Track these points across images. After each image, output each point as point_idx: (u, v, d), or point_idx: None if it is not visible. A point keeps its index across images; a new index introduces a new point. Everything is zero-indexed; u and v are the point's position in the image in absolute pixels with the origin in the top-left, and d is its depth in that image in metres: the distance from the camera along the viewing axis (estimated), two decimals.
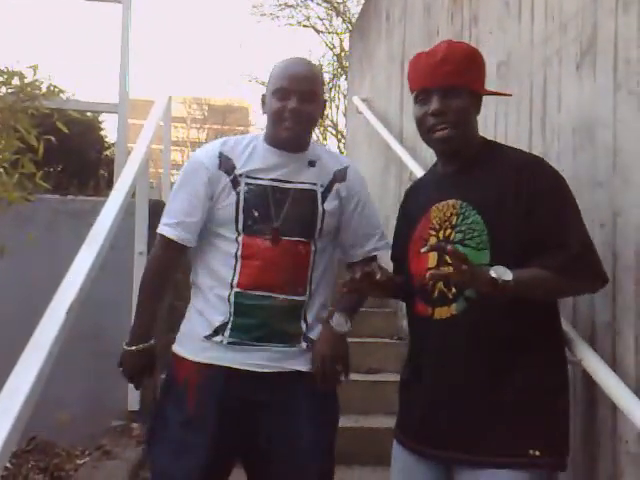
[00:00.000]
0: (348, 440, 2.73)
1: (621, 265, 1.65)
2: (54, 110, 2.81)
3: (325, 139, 16.01)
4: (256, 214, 1.70)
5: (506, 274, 1.36)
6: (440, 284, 1.53)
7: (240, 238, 1.70)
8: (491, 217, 1.48)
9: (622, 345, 1.63)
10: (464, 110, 1.55)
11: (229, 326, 1.69)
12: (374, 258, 1.84)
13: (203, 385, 1.67)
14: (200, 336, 1.71)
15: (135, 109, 5.12)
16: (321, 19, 14.85)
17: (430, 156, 3.33)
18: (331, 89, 15.13)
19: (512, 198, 1.47)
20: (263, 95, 1.80)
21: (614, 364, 1.64)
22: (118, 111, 3.74)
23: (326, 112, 15.17)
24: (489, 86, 2.41)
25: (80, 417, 2.95)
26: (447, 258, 1.47)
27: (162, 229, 1.77)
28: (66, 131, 2.74)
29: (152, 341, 1.79)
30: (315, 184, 1.76)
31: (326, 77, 15.15)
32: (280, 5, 14.81)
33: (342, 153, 11.53)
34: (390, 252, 1.82)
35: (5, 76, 2.42)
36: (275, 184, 1.73)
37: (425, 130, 1.58)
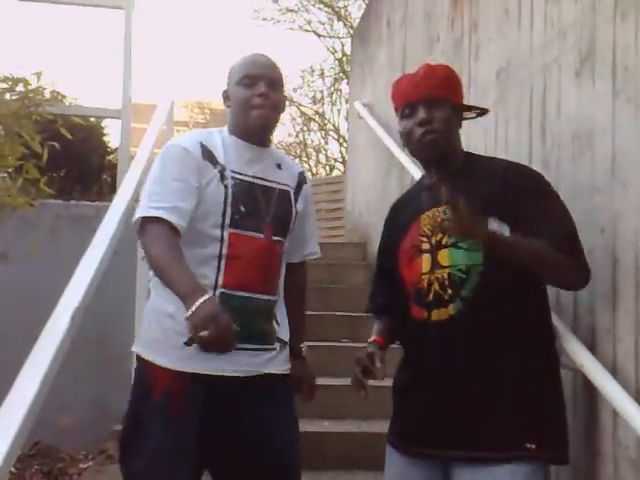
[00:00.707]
0: (350, 445, 2.74)
1: (621, 270, 1.66)
2: (57, 116, 2.83)
3: (327, 143, 16.05)
4: (243, 209, 1.67)
5: (504, 230, 1.47)
6: (435, 286, 1.56)
7: (225, 234, 1.65)
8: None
9: (622, 351, 1.64)
10: (448, 120, 1.64)
11: None
12: (304, 262, 1.93)
13: (185, 393, 1.61)
14: (178, 343, 1.62)
15: (138, 113, 5.14)
16: (322, 23, 14.87)
17: None
18: (332, 93, 15.17)
19: (500, 198, 1.55)
20: (224, 91, 1.79)
21: (614, 370, 1.64)
22: (121, 116, 3.76)
23: (327, 116, 15.26)
24: (488, 93, 2.43)
25: (84, 422, 2.97)
26: (439, 260, 1.56)
27: (151, 212, 1.60)
28: (69, 137, 2.76)
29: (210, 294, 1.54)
30: (288, 185, 1.79)
31: (327, 82, 15.19)
32: (281, 9, 14.84)
33: (344, 157, 11.53)
34: (376, 264, 1.86)
35: (9, 83, 2.45)
36: (259, 181, 1.72)
37: (414, 141, 1.65)
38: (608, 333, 1.69)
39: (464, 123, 1.74)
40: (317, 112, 15.71)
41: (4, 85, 2.42)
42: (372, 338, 1.75)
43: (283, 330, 1.76)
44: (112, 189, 4.05)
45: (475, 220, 1.42)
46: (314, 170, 15.67)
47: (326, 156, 16.14)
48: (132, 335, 3.02)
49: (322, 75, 15.13)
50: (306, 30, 15.03)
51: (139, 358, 1.70)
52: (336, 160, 15.48)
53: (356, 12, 13.38)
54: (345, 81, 13.71)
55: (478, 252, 1.52)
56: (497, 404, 1.50)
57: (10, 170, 2.43)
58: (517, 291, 1.54)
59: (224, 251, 1.65)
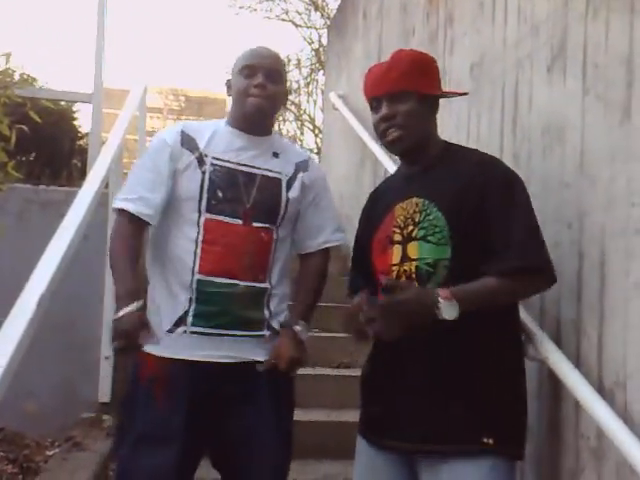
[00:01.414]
0: (319, 434, 2.76)
1: (587, 264, 1.69)
2: (27, 99, 2.78)
3: (302, 134, 16.01)
4: (220, 195, 1.69)
5: (453, 313, 1.42)
6: (403, 279, 1.57)
7: (202, 219, 1.68)
8: (451, 213, 1.54)
9: (586, 343, 1.67)
10: (411, 113, 1.61)
11: (190, 314, 1.67)
12: (327, 251, 1.89)
13: (170, 380, 1.65)
14: (161, 329, 1.67)
15: (110, 99, 5.07)
16: (300, 13, 14.80)
17: None
18: (309, 84, 15.12)
19: (469, 192, 1.55)
20: (228, 80, 1.82)
21: (578, 362, 1.68)
22: (92, 101, 3.70)
23: (303, 107, 15.22)
24: (462, 87, 2.44)
25: (51, 408, 2.94)
26: (409, 253, 1.57)
27: (120, 203, 1.71)
28: (39, 120, 2.71)
29: (142, 301, 1.65)
30: (280, 173, 1.79)
31: (304, 72, 15.15)
32: None
33: (319, 148, 11.51)
34: (352, 254, 1.85)
35: None
36: (242, 168, 1.74)
37: (379, 135, 1.68)
38: (573, 326, 1.73)
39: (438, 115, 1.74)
40: (293, 102, 15.67)
41: None
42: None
43: (276, 319, 1.76)
44: (82, 174, 3.99)
45: (418, 315, 1.42)
46: None
47: (302, 146, 16.13)
48: (100, 321, 2.99)
49: (298, 65, 15.08)
50: (283, 19, 14.95)
51: None
52: (311, 151, 15.45)
53: (333, 3, 13.33)
54: (321, 72, 13.68)
55: (446, 246, 1.53)
56: (454, 397, 1.50)
57: None
58: None
59: (200, 237, 1.68)
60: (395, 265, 1.60)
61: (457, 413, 1.49)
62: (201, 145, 1.73)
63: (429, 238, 1.55)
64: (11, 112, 2.50)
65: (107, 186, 2.95)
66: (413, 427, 1.52)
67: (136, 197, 1.69)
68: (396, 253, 1.60)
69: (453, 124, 2.59)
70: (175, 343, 1.67)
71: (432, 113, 1.68)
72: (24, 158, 4.89)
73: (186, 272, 1.67)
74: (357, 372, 3.25)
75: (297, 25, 14.84)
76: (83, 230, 2.27)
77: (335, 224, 1.92)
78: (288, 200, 1.78)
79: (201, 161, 1.71)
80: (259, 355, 1.72)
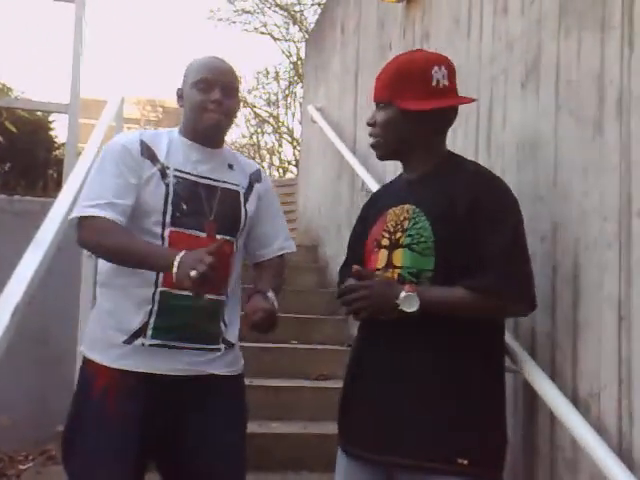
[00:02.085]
0: (296, 446, 2.75)
1: (560, 277, 1.72)
2: (2, 109, 2.76)
3: (280, 146, 16.04)
4: (184, 207, 1.67)
5: (412, 305, 1.43)
6: None
7: (166, 232, 1.66)
8: (439, 225, 1.52)
9: (561, 355, 1.70)
10: (387, 123, 1.61)
11: (150, 326, 1.63)
12: (282, 257, 1.87)
13: (124, 391, 1.61)
14: (117, 341, 1.63)
15: (87, 109, 5.03)
16: (278, 27, 14.87)
17: (382, 166, 3.40)
18: (287, 96, 15.18)
19: (458, 204, 1.52)
20: (179, 89, 1.79)
21: (553, 373, 1.70)
22: (69, 111, 3.68)
23: (282, 119, 15.25)
24: None
25: (25, 422, 2.89)
26: (394, 260, 1.56)
27: (86, 210, 1.62)
28: (14, 130, 2.69)
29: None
30: (238, 185, 1.79)
31: (282, 84, 15.20)
32: (237, 10, 14.78)
33: (297, 161, 11.54)
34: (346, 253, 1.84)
35: None
36: (203, 181, 1.73)
37: None
38: (547, 337, 1.75)
39: None
40: (271, 114, 15.70)
41: None
42: None
43: (230, 331, 1.75)
44: (58, 185, 3.96)
45: (382, 301, 1.46)
46: (267, 172, 15.64)
47: (280, 159, 16.15)
48: (75, 334, 2.96)
49: (277, 78, 15.14)
50: (262, 32, 15.01)
51: (83, 358, 1.71)
52: (289, 163, 15.51)
53: (312, 17, 13.45)
54: (300, 85, 13.73)
55: (430, 257, 1.51)
56: (434, 413, 1.48)
57: None
58: None
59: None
60: (379, 270, 1.59)
61: (434, 431, 1.47)
62: (161, 156, 1.71)
63: (414, 247, 1.54)
64: None
65: None
66: (392, 441, 1.50)
67: (105, 203, 1.62)
68: (381, 258, 1.59)
69: None
70: (131, 355, 1.63)
71: (418, 123, 1.60)
72: None
73: (148, 284, 1.64)
74: (335, 384, 3.26)
75: (275, 38, 14.92)
76: (58, 241, 2.25)
77: (287, 232, 1.92)
78: (247, 212, 1.79)
79: (164, 173, 1.69)
80: (217, 369, 1.71)
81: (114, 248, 1.62)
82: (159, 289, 1.64)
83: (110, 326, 1.65)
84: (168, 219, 1.66)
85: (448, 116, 1.64)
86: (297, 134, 13.98)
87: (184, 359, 1.65)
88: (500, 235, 1.49)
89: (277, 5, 14.44)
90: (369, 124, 1.67)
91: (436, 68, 1.60)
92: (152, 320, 1.64)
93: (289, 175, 14.62)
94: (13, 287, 1.88)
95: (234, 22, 14.92)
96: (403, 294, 1.44)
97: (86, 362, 1.69)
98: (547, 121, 1.82)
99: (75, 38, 3.73)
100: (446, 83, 1.61)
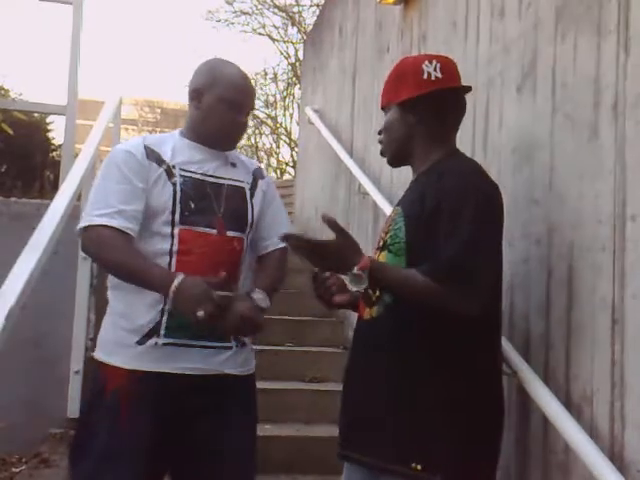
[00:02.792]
0: (290, 449, 2.75)
1: (555, 280, 1.72)
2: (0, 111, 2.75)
3: (278, 147, 16.03)
4: (192, 205, 1.69)
5: (360, 284, 1.41)
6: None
7: (176, 231, 1.67)
8: (410, 225, 1.54)
9: (554, 358, 1.70)
10: (388, 124, 1.67)
11: (163, 326, 1.64)
12: (284, 250, 1.85)
13: (137, 394, 1.62)
14: (130, 342, 1.64)
15: (85, 110, 5.03)
16: (276, 28, 14.88)
17: (378, 168, 3.40)
18: (285, 97, 15.18)
19: (424, 211, 1.50)
20: (196, 90, 1.76)
21: (546, 376, 1.70)
22: (66, 112, 3.67)
23: (280, 120, 15.25)
24: None
25: (18, 424, 2.87)
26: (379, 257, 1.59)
27: (94, 220, 1.62)
28: (11, 132, 2.69)
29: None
30: (243, 182, 1.81)
31: (281, 86, 15.20)
32: (235, 12, 14.78)
33: (295, 162, 11.54)
34: None
35: None
36: (208, 179, 1.74)
37: None
38: (541, 340, 1.75)
39: None
40: (269, 116, 15.70)
41: None
42: None
43: None
44: (55, 187, 3.95)
45: (340, 263, 1.44)
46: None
47: (277, 160, 16.14)
48: (70, 337, 2.96)
49: (275, 79, 15.14)
50: (260, 34, 15.01)
51: (96, 360, 1.71)
52: (287, 164, 15.50)
53: (310, 18, 13.44)
54: (298, 86, 13.73)
55: (402, 257, 1.53)
56: (402, 415, 1.47)
57: None
58: None
59: (174, 247, 1.66)
60: None
61: (404, 434, 1.46)
62: (166, 157, 1.72)
63: (391, 247, 1.57)
64: None
65: (79, 198, 2.93)
66: (365, 438, 1.52)
67: (113, 211, 1.62)
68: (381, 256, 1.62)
69: None
70: (144, 355, 1.64)
71: (415, 118, 1.61)
72: None
73: None
74: (328, 386, 3.27)
75: (274, 39, 14.91)
76: (54, 243, 2.24)
77: (289, 225, 1.96)
78: (253, 207, 1.81)
79: (170, 173, 1.70)
80: (231, 368, 1.71)
81: (112, 263, 1.65)
82: (172, 287, 1.62)
83: (122, 328, 1.66)
84: (177, 218, 1.67)
85: (443, 108, 1.63)
86: (295, 135, 13.98)
87: (197, 358, 1.66)
88: (457, 231, 1.44)
89: (275, 6, 14.45)
90: (378, 133, 1.72)
91: (427, 62, 1.63)
92: (165, 319, 1.64)
93: (286, 176, 14.62)
94: (8, 290, 1.87)
95: (232, 23, 14.94)
96: (353, 271, 1.40)
97: (98, 364, 1.69)
98: (543, 124, 1.83)
99: (72, 39, 3.73)
100: (439, 75, 1.62)
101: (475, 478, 1.48)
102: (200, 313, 1.49)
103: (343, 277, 1.46)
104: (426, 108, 1.61)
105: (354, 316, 1.73)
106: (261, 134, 16.01)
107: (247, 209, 1.78)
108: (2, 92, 2.65)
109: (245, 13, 14.77)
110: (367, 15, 4.00)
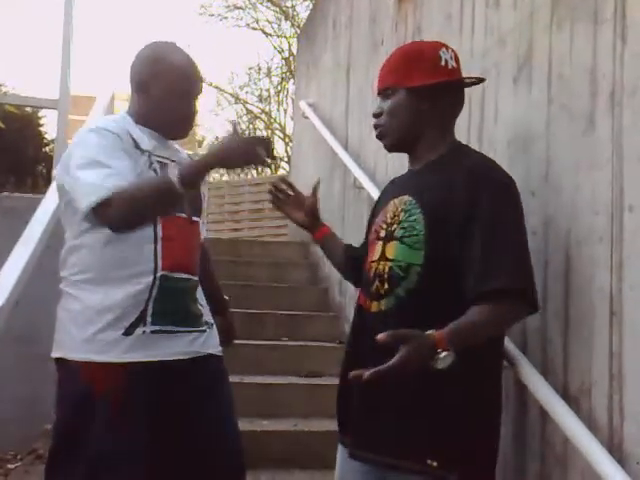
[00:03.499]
0: (288, 444, 2.74)
1: (551, 272, 1.71)
2: None
3: (272, 142, 16.00)
4: None
5: (447, 362, 1.33)
6: (377, 277, 1.54)
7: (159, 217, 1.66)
8: (432, 219, 1.49)
9: (552, 351, 1.69)
10: (395, 108, 1.59)
11: (149, 312, 1.62)
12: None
13: (130, 389, 1.58)
14: (116, 335, 1.59)
15: (77, 105, 5.00)
16: (270, 22, 14.84)
17: (373, 162, 3.39)
18: (279, 92, 15.15)
19: (455, 204, 1.47)
20: (143, 81, 1.72)
21: (544, 369, 1.69)
22: (58, 107, 3.66)
23: (274, 115, 15.22)
24: None
25: (13, 421, 2.87)
26: (386, 252, 1.54)
27: (106, 189, 1.51)
28: (2, 126, 2.66)
29: None
30: None
31: (274, 80, 15.17)
32: (229, 6, 14.73)
33: (289, 156, 11.52)
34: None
35: None
36: (172, 164, 1.72)
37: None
38: (539, 333, 1.74)
39: None
40: (263, 110, 15.67)
41: None
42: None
43: (206, 312, 1.79)
44: (47, 181, 3.94)
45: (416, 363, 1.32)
46: (259, 168, 15.61)
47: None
48: None
49: (269, 74, 15.11)
50: (253, 28, 14.97)
51: (65, 363, 1.64)
52: (281, 159, 15.47)
53: (304, 12, 13.41)
54: (292, 81, 13.70)
55: (420, 251, 1.48)
56: (414, 411, 1.45)
57: None
58: (454, 299, 1.44)
59: (159, 233, 1.66)
60: (374, 262, 1.57)
61: (417, 430, 1.44)
62: (144, 145, 1.69)
63: (405, 240, 1.51)
64: None
65: None
66: (378, 437, 1.49)
67: (114, 173, 1.55)
68: (377, 250, 1.57)
69: None
70: (134, 346, 1.60)
71: (428, 106, 1.57)
72: None
73: (147, 270, 1.62)
74: (326, 381, 3.26)
75: (267, 34, 14.89)
76: (47, 238, 2.23)
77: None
78: (203, 193, 1.85)
79: (150, 160, 1.69)
80: (210, 348, 1.74)
81: (143, 200, 1.54)
82: (159, 273, 1.64)
83: (103, 321, 1.60)
84: None
85: (456, 100, 1.62)
86: (289, 130, 13.95)
87: (181, 343, 1.67)
88: (502, 236, 1.43)
89: (269, 0, 14.40)
90: (375, 115, 1.64)
91: (444, 49, 1.61)
92: (150, 306, 1.63)
93: (281, 172, 14.61)
94: (0, 287, 1.86)
95: (225, 17, 14.89)
96: (440, 356, 1.33)
97: (76, 366, 1.61)
98: (539, 115, 1.81)
99: (64, 33, 3.71)
100: (454, 65, 1.61)
101: (487, 475, 1.49)
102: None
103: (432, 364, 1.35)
104: (443, 96, 1.59)
105: (350, 310, 1.73)
106: (255, 129, 15.97)
107: (200, 193, 1.81)
108: None
109: (238, 8, 14.74)
110: (361, 7, 3.98)
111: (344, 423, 1.62)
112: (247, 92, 15.38)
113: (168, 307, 1.65)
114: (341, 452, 1.64)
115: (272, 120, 15.53)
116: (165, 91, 1.72)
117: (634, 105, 1.46)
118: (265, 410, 2.95)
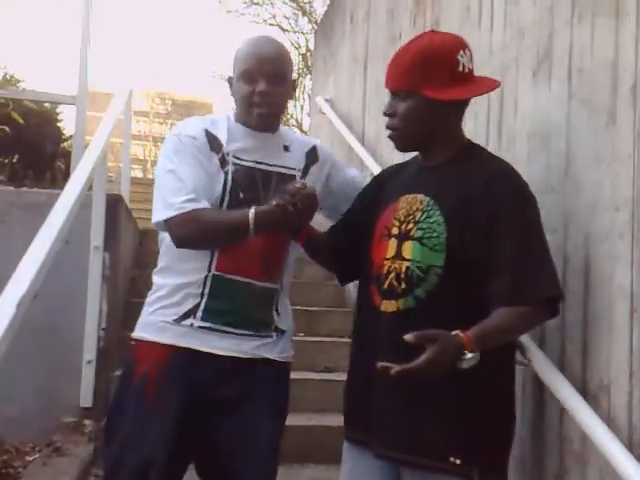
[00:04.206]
0: (302, 438, 2.74)
1: (571, 269, 1.69)
2: (10, 100, 2.75)
3: None
4: (241, 196, 1.66)
5: (472, 362, 1.36)
6: (392, 276, 1.53)
7: None
8: (453, 221, 1.48)
9: (571, 347, 1.67)
10: (411, 113, 1.54)
11: (201, 308, 1.65)
12: None
13: (167, 373, 1.62)
14: (168, 320, 1.66)
15: (95, 102, 5.03)
16: (287, 18, 14.81)
17: (390, 158, 3.37)
18: (295, 88, 15.13)
19: (476, 208, 1.47)
20: (230, 77, 1.76)
21: (563, 366, 1.68)
22: (76, 102, 3.68)
23: (290, 111, 15.22)
24: None
25: (31, 413, 2.89)
26: (403, 251, 1.52)
27: (187, 206, 1.59)
28: (21, 122, 2.68)
29: None
30: (294, 169, 1.76)
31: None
32: (246, 2, 14.73)
33: None
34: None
35: None
36: (259, 166, 1.71)
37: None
38: (557, 329, 1.73)
39: None
40: None
41: None
42: None
43: (283, 320, 1.75)
44: (66, 177, 3.96)
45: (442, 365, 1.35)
46: None
47: None
48: (82, 325, 2.96)
49: None
50: (271, 24, 14.95)
51: (130, 341, 1.73)
52: None
53: (321, 8, 13.36)
54: (308, 77, 13.68)
55: (441, 253, 1.47)
56: (434, 409, 1.46)
57: None
58: (474, 301, 1.46)
59: None
60: (388, 259, 1.55)
61: (437, 428, 1.45)
62: (223, 144, 1.69)
63: (425, 241, 1.49)
64: None
65: (90, 188, 2.93)
66: (396, 433, 1.49)
67: (195, 196, 1.61)
68: (391, 247, 1.55)
69: None
70: (179, 333, 1.65)
71: (444, 111, 1.55)
72: (6, 160, 4.84)
73: (202, 267, 1.66)
74: (340, 376, 3.25)
75: (284, 30, 14.85)
76: (66, 232, 2.24)
77: (356, 171, 2.00)
78: None
79: (224, 161, 1.68)
80: (266, 352, 1.70)
81: (221, 235, 1.66)
82: (212, 273, 1.65)
83: (163, 306, 1.68)
84: (225, 208, 1.66)
85: (468, 100, 1.61)
86: (306, 126, 13.94)
87: (231, 343, 1.66)
88: (526, 242, 1.47)
89: None
90: (387, 114, 1.59)
91: (462, 52, 1.55)
92: (203, 302, 1.65)
93: None
94: (19, 278, 1.87)
95: (243, 14, 14.89)
96: (467, 357, 1.36)
97: (131, 348, 1.71)
98: (559, 110, 1.79)
99: (83, 29, 3.73)
100: (471, 67, 1.58)
101: (503, 464, 1.51)
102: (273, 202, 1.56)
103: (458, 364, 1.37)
104: (457, 107, 1.58)
105: None
106: None
107: None
108: (12, 81, 2.65)
109: (256, 3, 14.72)
110: (378, 2, 3.96)
111: (364, 423, 1.57)
112: None
113: (224, 306, 1.65)
114: (349, 449, 1.63)
115: (289, 116, 15.52)
116: (236, 79, 1.71)
117: None
118: None
